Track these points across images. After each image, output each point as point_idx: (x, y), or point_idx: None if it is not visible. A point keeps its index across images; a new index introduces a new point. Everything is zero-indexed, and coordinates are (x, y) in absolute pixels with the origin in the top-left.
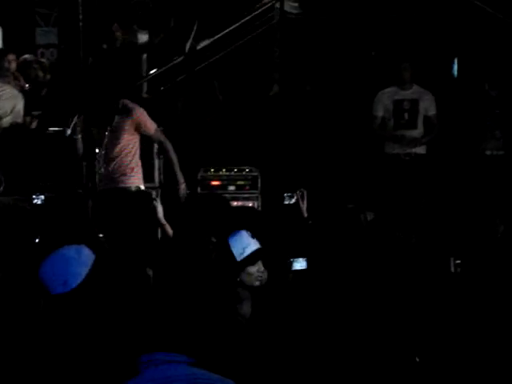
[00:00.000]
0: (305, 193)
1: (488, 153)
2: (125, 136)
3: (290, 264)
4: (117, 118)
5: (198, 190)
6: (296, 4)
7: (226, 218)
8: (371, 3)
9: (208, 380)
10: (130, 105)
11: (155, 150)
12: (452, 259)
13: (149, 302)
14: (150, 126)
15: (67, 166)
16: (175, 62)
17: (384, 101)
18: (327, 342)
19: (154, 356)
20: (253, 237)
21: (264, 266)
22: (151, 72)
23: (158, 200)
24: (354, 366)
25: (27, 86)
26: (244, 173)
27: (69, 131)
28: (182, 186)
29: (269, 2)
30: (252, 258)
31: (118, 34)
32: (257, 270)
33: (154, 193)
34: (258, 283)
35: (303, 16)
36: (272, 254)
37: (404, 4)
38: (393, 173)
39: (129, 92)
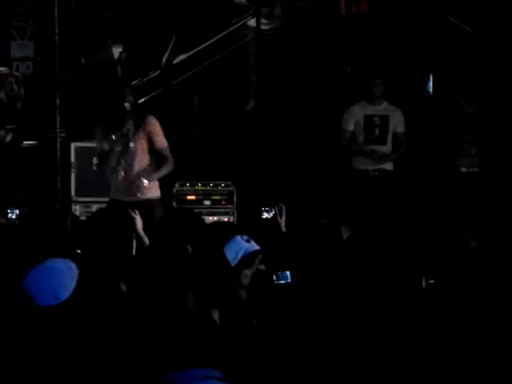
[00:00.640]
0: (283, 207)
1: (463, 170)
2: (139, 146)
3: (273, 278)
4: (133, 128)
5: (174, 204)
6: (268, 20)
7: (201, 230)
8: (347, 19)
9: None
10: (147, 114)
11: None
12: (424, 277)
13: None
14: (162, 140)
15: (42, 179)
16: (151, 76)
17: (355, 115)
18: (307, 353)
19: (181, 374)
20: (248, 240)
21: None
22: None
23: (137, 212)
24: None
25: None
26: (220, 187)
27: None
28: (144, 181)
29: (243, 19)
30: (246, 261)
31: (89, 58)
32: (250, 272)
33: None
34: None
35: (277, 32)
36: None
37: (380, 20)
38: (361, 188)
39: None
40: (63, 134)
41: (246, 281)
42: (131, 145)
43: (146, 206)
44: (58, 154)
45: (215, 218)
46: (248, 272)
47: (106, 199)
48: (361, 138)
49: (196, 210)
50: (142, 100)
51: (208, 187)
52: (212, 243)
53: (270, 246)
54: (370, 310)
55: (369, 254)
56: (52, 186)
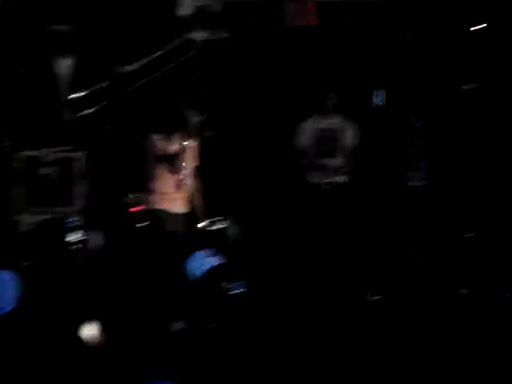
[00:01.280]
0: (232, 219)
1: (412, 183)
2: None
3: (228, 288)
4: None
5: (123, 215)
6: (215, 33)
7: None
8: (297, 32)
9: None
10: None
11: (79, 174)
12: (369, 293)
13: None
14: None
15: None
16: (100, 86)
17: (307, 129)
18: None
19: None
20: (211, 255)
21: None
22: (73, 96)
23: None
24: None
25: None
26: None
27: None
28: None
29: (189, 33)
30: (210, 275)
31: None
32: (213, 284)
33: None
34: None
35: (224, 44)
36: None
37: (331, 33)
38: (313, 201)
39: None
40: (10, 144)
41: (209, 293)
42: None
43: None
44: (6, 163)
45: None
46: (210, 286)
47: (54, 210)
48: (313, 152)
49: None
50: (91, 111)
51: None
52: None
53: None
54: (319, 320)
55: (318, 265)
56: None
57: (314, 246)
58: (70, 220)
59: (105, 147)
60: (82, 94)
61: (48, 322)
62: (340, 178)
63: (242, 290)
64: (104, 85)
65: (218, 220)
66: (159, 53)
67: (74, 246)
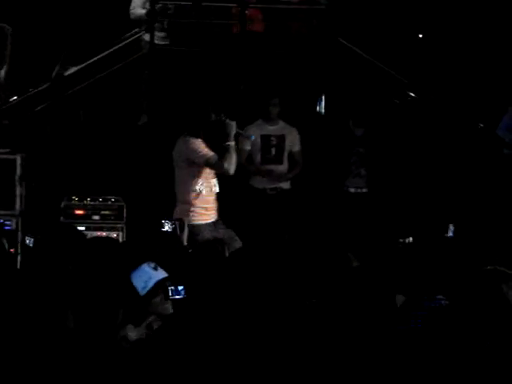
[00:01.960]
0: (184, 221)
1: (352, 190)
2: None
3: (168, 292)
4: None
5: (61, 219)
6: (164, 34)
7: (82, 247)
8: (243, 37)
9: None
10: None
11: (17, 177)
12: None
13: None
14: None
15: None
16: (40, 88)
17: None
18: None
19: None
20: (155, 268)
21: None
22: (12, 99)
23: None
24: None
25: None
26: (109, 202)
27: None
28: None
29: (138, 33)
30: (155, 290)
31: None
32: (159, 299)
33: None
34: (164, 311)
35: (172, 47)
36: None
37: (273, 40)
38: (258, 206)
39: None
40: None
41: (156, 308)
42: None
43: None
44: None
45: (104, 234)
46: (157, 300)
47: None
48: (258, 158)
49: (85, 225)
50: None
51: (97, 202)
52: (92, 260)
53: (168, 259)
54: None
55: (260, 270)
56: None
57: (256, 249)
58: (8, 223)
59: (45, 150)
60: (22, 96)
61: None
62: (285, 184)
63: (182, 295)
64: (45, 86)
65: (167, 222)
66: (106, 52)
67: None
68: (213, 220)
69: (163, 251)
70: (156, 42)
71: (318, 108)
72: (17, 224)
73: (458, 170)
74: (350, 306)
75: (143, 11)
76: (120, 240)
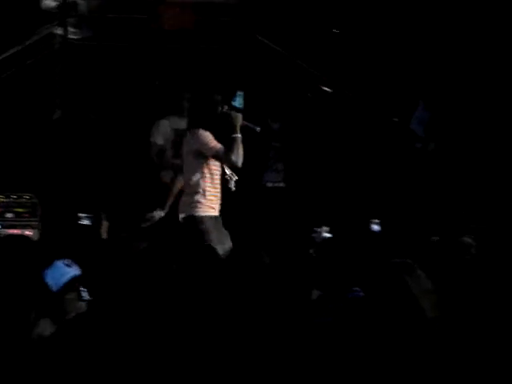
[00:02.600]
0: (103, 215)
1: (269, 185)
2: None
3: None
4: None
5: None
6: (78, 30)
7: None
8: (157, 33)
9: None
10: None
11: None
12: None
13: None
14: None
15: None
16: None
17: (163, 129)
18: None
19: None
20: (69, 265)
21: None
22: None
23: None
24: None
25: None
26: (23, 199)
27: None
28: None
29: (51, 28)
30: (69, 286)
31: None
32: (73, 296)
33: None
34: (79, 309)
35: (86, 42)
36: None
37: (190, 35)
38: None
39: None
40: None
41: (69, 305)
42: None
43: None
44: None
45: (18, 231)
46: (71, 296)
47: None
48: (169, 153)
49: None
50: None
51: (11, 199)
52: (4, 259)
53: (87, 253)
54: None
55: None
56: None
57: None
58: None
59: None
60: None
61: None
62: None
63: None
64: None
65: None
66: (17, 48)
67: None
68: (216, 214)
69: (81, 245)
70: (70, 36)
71: (233, 103)
72: None
73: (374, 164)
74: (260, 302)
75: (54, 3)
76: (35, 238)
